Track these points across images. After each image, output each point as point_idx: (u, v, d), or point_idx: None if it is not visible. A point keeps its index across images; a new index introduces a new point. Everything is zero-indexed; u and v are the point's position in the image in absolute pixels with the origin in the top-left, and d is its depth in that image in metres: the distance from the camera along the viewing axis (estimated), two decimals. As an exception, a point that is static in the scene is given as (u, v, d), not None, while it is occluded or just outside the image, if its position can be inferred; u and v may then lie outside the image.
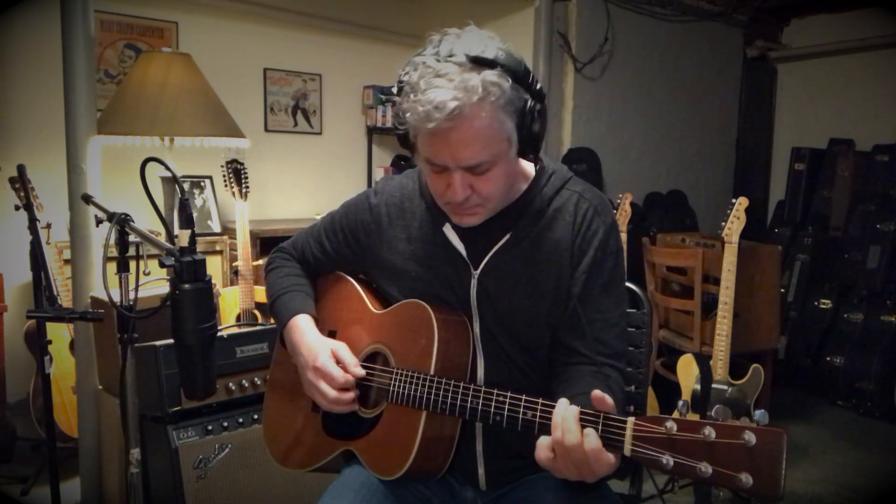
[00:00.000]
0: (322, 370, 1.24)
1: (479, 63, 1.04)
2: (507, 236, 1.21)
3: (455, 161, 1.08)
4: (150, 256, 1.44)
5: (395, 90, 1.10)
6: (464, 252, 1.23)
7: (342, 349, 1.27)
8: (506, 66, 1.05)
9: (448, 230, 1.24)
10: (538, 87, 1.11)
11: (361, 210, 1.36)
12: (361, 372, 1.24)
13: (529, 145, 1.12)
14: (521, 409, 1.04)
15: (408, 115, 1.05)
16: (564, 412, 0.98)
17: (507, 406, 1.06)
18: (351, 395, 1.25)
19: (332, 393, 1.23)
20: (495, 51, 1.05)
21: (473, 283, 1.23)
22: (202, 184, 3.64)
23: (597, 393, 0.97)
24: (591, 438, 0.94)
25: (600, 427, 0.95)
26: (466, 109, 1.02)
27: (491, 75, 1.03)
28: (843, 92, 4.57)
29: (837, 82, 4.61)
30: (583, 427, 0.96)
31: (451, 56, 1.04)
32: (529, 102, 1.09)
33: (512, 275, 1.21)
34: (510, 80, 1.05)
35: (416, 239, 1.28)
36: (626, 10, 4.07)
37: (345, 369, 1.24)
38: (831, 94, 4.65)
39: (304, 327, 1.32)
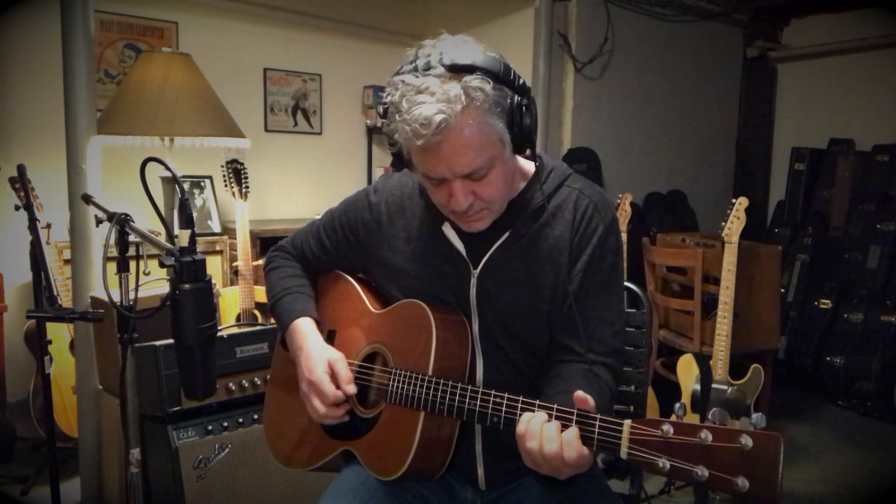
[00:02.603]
0: (315, 385, 1.24)
1: (457, 70, 1.04)
2: (506, 234, 1.22)
3: (451, 171, 1.08)
4: (150, 256, 1.44)
5: (381, 112, 1.11)
6: (463, 251, 1.24)
7: (339, 363, 1.26)
8: (484, 68, 1.05)
9: (447, 229, 1.25)
10: (521, 81, 1.11)
11: (361, 208, 1.35)
12: (353, 390, 1.24)
13: (523, 141, 1.12)
14: (519, 411, 1.04)
15: (396, 135, 1.06)
16: (544, 422, 0.98)
17: (504, 408, 1.06)
18: (340, 411, 1.25)
19: (321, 409, 1.24)
20: (472, 55, 1.05)
21: (473, 281, 1.23)
22: (202, 184, 3.64)
23: (579, 394, 0.98)
24: (573, 443, 0.95)
25: (596, 429, 0.96)
26: (453, 120, 1.02)
27: (472, 80, 1.03)
28: (843, 92, 4.56)
29: (837, 82, 4.60)
30: (570, 427, 0.97)
31: (428, 69, 1.04)
32: (515, 99, 1.09)
33: (511, 273, 1.22)
34: (492, 82, 1.05)
35: (415, 238, 1.28)
36: (626, 10, 4.07)
37: (338, 385, 1.24)
38: (831, 94, 4.64)
39: (305, 331, 1.32)
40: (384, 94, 1.09)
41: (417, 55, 1.08)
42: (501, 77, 1.07)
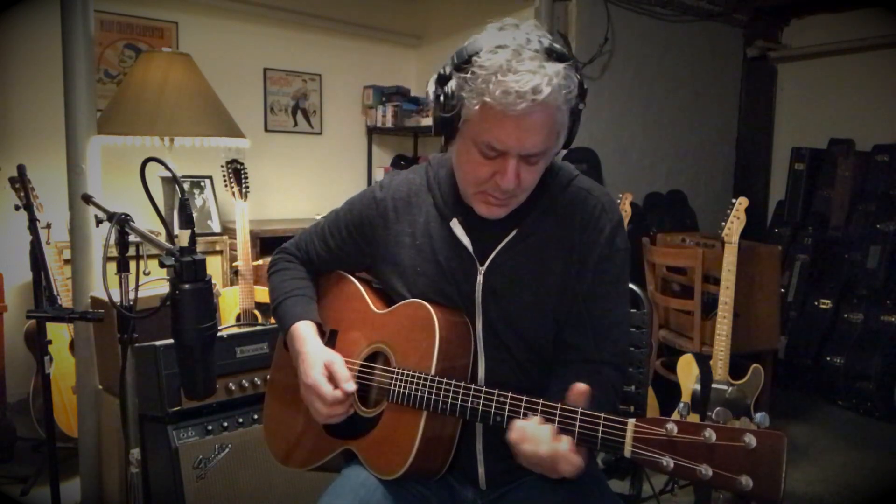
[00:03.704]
0: (313, 387, 1.24)
1: (553, 55, 1.06)
2: (514, 232, 1.22)
3: (520, 147, 1.08)
4: (150, 256, 1.44)
5: (447, 72, 1.10)
6: (470, 247, 1.23)
7: (336, 364, 1.25)
8: (574, 61, 1.08)
9: (455, 225, 1.24)
10: (585, 87, 1.13)
11: (367, 205, 1.35)
12: (352, 388, 1.24)
13: (567, 142, 1.15)
14: (522, 410, 1.04)
15: (495, 93, 1.03)
16: (538, 425, 1.01)
17: (507, 407, 1.06)
18: (342, 409, 1.24)
19: (322, 409, 1.23)
20: (561, 45, 1.08)
21: (479, 279, 1.23)
22: (202, 184, 3.64)
23: (579, 386, 1.01)
24: (567, 456, 0.97)
25: (601, 428, 0.96)
26: (551, 97, 1.03)
27: (566, 69, 1.05)
28: (843, 92, 4.57)
29: (837, 82, 4.60)
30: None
31: (528, 43, 1.05)
32: (580, 104, 1.12)
33: (518, 271, 1.22)
34: (578, 77, 1.08)
35: (422, 234, 1.28)
36: (626, 10, 4.07)
37: (336, 385, 1.24)
38: (831, 94, 4.64)
39: (304, 335, 1.32)
40: (475, 52, 1.06)
41: (505, 28, 1.08)
42: (580, 75, 1.10)
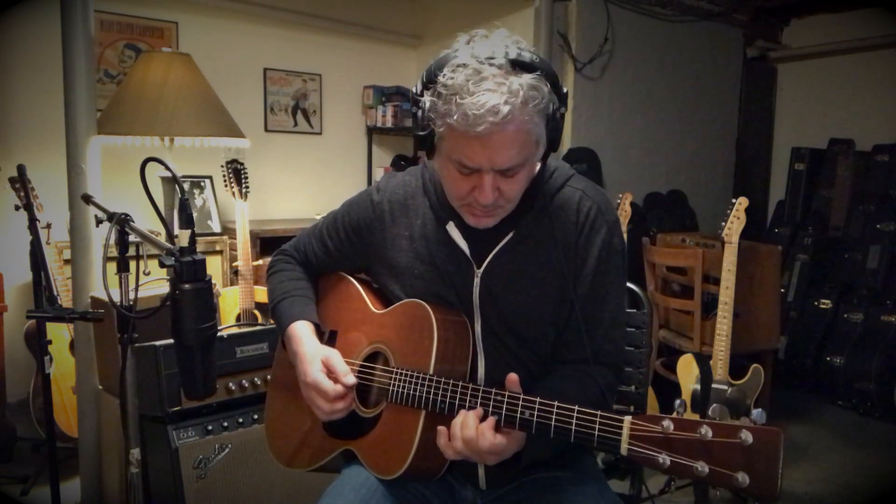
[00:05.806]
0: (314, 386, 1.24)
1: (519, 67, 1.04)
2: (510, 235, 1.22)
3: (491, 164, 1.08)
4: (150, 256, 1.44)
5: (419, 91, 1.10)
6: (467, 250, 1.24)
7: (334, 358, 1.26)
8: (543, 70, 1.06)
9: (451, 228, 1.24)
10: (564, 91, 1.12)
11: (364, 208, 1.35)
12: (352, 381, 1.24)
13: (552, 148, 1.14)
14: (519, 409, 1.04)
15: (455, 117, 1.03)
16: (465, 417, 1.08)
17: (504, 405, 1.06)
18: (342, 405, 1.24)
19: (325, 406, 1.23)
20: (530, 55, 1.06)
21: (476, 281, 1.23)
22: (202, 184, 3.65)
23: (512, 376, 1.06)
24: (487, 435, 1.05)
25: (597, 426, 0.96)
26: (513, 113, 1.02)
27: (532, 79, 1.04)
28: (843, 92, 4.57)
29: (837, 82, 4.61)
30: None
31: (491, 58, 1.03)
32: (560, 108, 1.11)
33: (515, 273, 1.22)
34: (548, 85, 1.06)
35: (418, 237, 1.28)
36: (626, 10, 4.07)
37: (336, 380, 1.24)
38: (831, 94, 4.65)
39: (301, 335, 1.32)
40: (439, 73, 1.06)
41: (473, 42, 1.08)
42: (554, 82, 1.08)
